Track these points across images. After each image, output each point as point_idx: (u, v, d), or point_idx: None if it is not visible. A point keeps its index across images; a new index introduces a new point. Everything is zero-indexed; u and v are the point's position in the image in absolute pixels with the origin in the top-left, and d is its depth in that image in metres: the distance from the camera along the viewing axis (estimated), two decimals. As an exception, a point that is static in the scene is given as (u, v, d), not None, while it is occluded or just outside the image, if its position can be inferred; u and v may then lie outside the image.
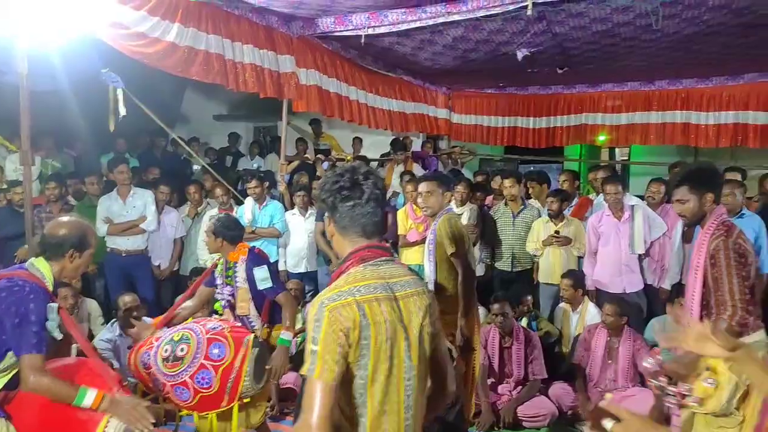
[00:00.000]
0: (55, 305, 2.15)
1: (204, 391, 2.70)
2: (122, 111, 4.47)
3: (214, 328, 2.88)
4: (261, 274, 3.16)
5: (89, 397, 2.04)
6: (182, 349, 2.75)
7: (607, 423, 1.26)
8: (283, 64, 5.33)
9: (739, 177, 5.21)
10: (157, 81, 6.30)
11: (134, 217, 5.26)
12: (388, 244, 2.48)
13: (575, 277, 4.78)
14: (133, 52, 4.06)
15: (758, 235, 4.49)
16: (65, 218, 2.39)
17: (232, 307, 3.33)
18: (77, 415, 2.05)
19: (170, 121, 8.12)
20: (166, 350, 2.76)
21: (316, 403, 1.42)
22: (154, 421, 2.10)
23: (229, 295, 3.33)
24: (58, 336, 2.16)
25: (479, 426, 3.91)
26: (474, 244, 5.27)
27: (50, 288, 2.18)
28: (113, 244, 5.23)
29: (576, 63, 6.41)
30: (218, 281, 3.37)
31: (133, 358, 2.87)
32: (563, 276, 4.81)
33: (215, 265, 3.41)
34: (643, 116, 7.69)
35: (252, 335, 2.93)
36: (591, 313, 4.64)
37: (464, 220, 5.26)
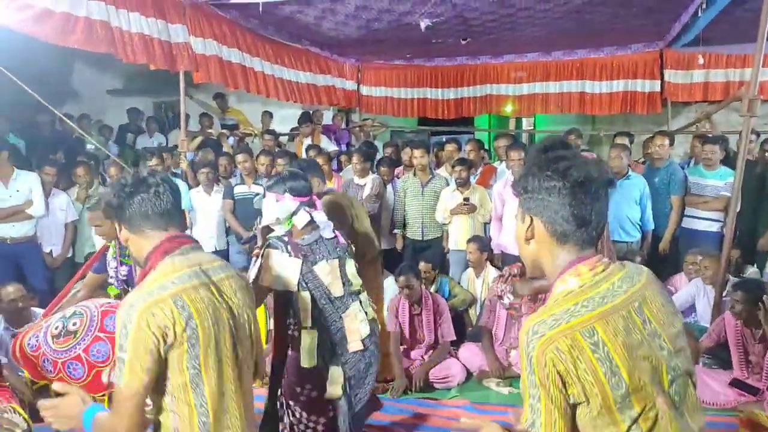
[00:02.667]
0: None
1: (100, 365, 2.53)
2: (-7, 86, 4.06)
3: (109, 302, 2.74)
4: None
5: None
6: (74, 323, 2.57)
7: None
8: (175, 33, 5.03)
9: (626, 141, 5.58)
10: (42, 53, 5.78)
11: (19, 202, 4.86)
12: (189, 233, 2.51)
13: (480, 241, 4.95)
14: (4, 18, 3.67)
15: (642, 195, 4.85)
16: None
17: (127, 288, 3.17)
18: None
19: (59, 96, 7.52)
20: (56, 327, 2.57)
21: (123, 413, 1.41)
22: (18, 427, 1.98)
23: (126, 274, 3.17)
24: None
25: (393, 392, 3.99)
26: (379, 214, 5.34)
27: None
28: (-3, 232, 4.82)
29: (477, 34, 6.52)
30: (112, 264, 3.19)
31: (18, 344, 2.63)
32: (469, 241, 4.96)
33: (106, 248, 3.22)
34: (543, 86, 8.00)
35: None
36: (493, 276, 4.83)
37: (366, 192, 5.28)
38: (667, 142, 5.17)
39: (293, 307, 2.41)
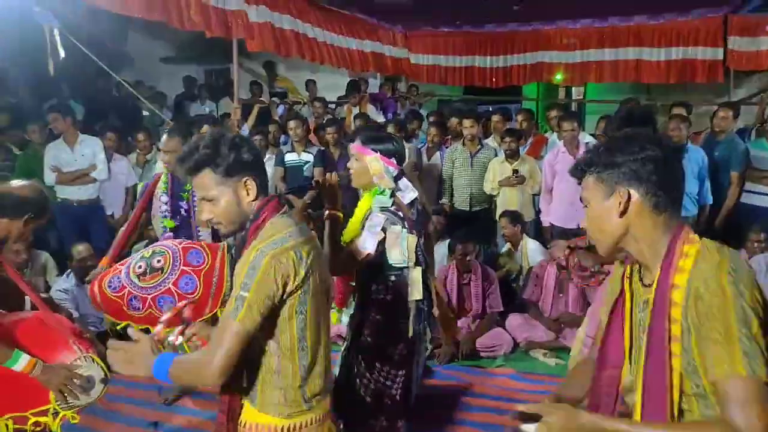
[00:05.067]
0: None
1: (189, 296, 2.63)
2: (61, 53, 4.22)
3: (183, 240, 2.84)
4: None
5: (21, 362, 1.97)
6: (158, 261, 2.66)
7: (529, 427, 1.22)
8: (230, 0, 5.09)
9: (684, 112, 5.38)
10: (98, 21, 5.95)
11: (84, 166, 5.08)
12: None
13: (512, 214, 4.92)
14: (67, -12, 3.81)
15: (701, 168, 4.69)
16: (26, 182, 2.29)
17: (189, 221, 3.27)
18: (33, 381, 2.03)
19: (115, 64, 7.72)
20: (139, 266, 2.66)
21: (225, 345, 1.46)
22: (96, 374, 2.11)
23: (185, 208, 3.28)
24: None
25: (440, 359, 4.07)
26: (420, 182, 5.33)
27: None
28: (64, 194, 5.06)
29: (531, -1, 6.35)
30: (163, 198, 3.28)
31: (98, 288, 2.71)
32: (501, 216, 4.96)
33: (157, 182, 3.32)
34: (597, 54, 7.76)
35: (224, 242, 2.85)
36: (531, 249, 4.82)
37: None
38: (731, 114, 4.96)
39: (396, 276, 2.39)
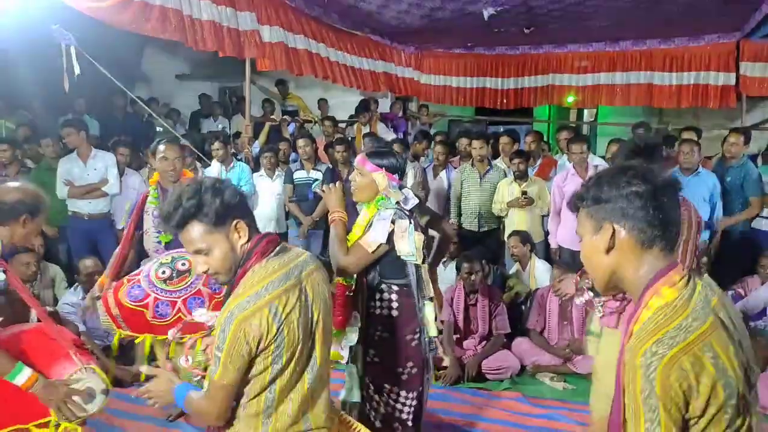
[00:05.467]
0: (0, 269, 2.11)
1: (217, 296, 2.61)
2: (76, 69, 4.31)
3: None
4: None
5: (22, 376, 1.96)
6: (183, 264, 2.64)
7: None
8: (244, 21, 5.19)
9: (694, 136, 5.37)
10: (115, 38, 6.07)
11: (96, 180, 5.13)
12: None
13: (521, 234, 4.91)
14: (85, 7, 3.90)
15: (712, 193, 4.66)
16: (15, 183, 2.30)
17: None
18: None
19: (130, 80, 7.87)
20: (163, 272, 2.63)
21: (215, 400, 1.56)
22: (97, 386, 2.10)
23: None
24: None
25: (445, 380, 4.02)
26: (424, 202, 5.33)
27: None
28: (75, 208, 5.11)
29: (542, 22, 6.40)
30: (156, 213, 3.19)
31: (114, 301, 2.65)
32: (510, 236, 4.94)
33: (145, 198, 3.28)
34: (608, 77, 7.78)
35: None
36: (539, 269, 4.79)
37: (410, 180, 5.29)
38: (741, 139, 4.93)
39: (399, 286, 2.38)
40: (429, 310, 2.42)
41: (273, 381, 1.57)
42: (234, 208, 1.56)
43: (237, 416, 1.61)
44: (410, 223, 2.37)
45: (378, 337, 2.41)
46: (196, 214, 1.53)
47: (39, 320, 2.31)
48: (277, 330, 1.51)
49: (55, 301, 4.33)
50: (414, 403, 2.43)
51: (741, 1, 5.51)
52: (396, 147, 5.35)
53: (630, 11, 5.82)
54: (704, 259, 4.27)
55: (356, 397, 2.41)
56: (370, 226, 2.37)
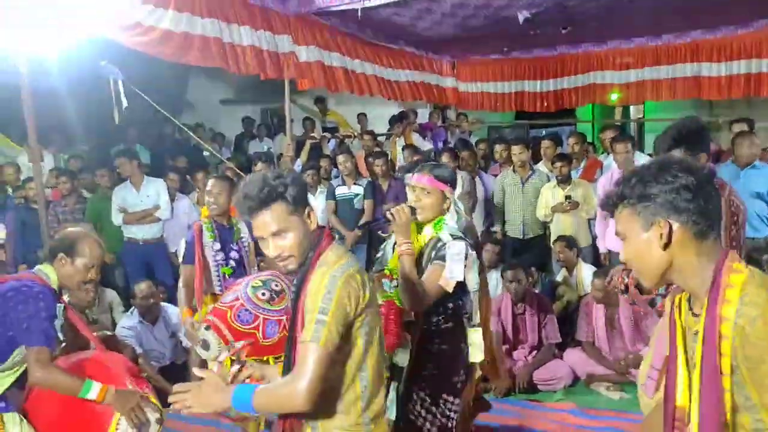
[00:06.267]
0: (61, 305, 2.23)
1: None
2: (124, 102, 4.51)
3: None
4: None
5: (94, 390, 2.09)
6: (276, 284, 2.69)
7: None
8: (281, 43, 5.31)
9: (746, 128, 5.14)
10: (160, 69, 6.33)
11: (149, 206, 5.35)
12: None
13: (566, 239, 4.82)
14: (130, 42, 4.07)
15: (772, 187, 4.44)
16: (70, 228, 2.45)
17: (243, 264, 3.38)
18: (94, 409, 2.13)
19: (176, 108, 8.18)
20: (263, 293, 2.65)
21: (312, 369, 1.48)
22: (151, 415, 2.17)
23: (237, 252, 3.39)
24: (61, 337, 2.24)
25: (496, 391, 3.96)
26: (472, 211, 5.29)
27: (56, 289, 2.25)
28: (130, 234, 5.35)
29: (579, 21, 6.26)
30: (215, 246, 3.34)
31: (226, 326, 2.60)
32: (555, 241, 4.84)
33: (200, 233, 3.37)
34: (653, 71, 7.52)
35: None
36: (586, 275, 4.66)
37: (458, 191, 5.24)
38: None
39: (454, 302, 2.40)
40: (476, 336, 2.42)
41: (364, 361, 1.60)
42: (306, 196, 1.68)
43: (335, 409, 1.59)
44: (473, 251, 2.38)
45: (437, 349, 2.43)
46: (282, 194, 1.57)
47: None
48: (369, 298, 1.59)
49: (114, 325, 4.51)
50: (459, 408, 2.48)
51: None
52: (445, 158, 5.37)
53: (671, 2, 5.63)
54: (765, 257, 4.05)
55: (393, 414, 2.41)
56: (437, 251, 2.33)
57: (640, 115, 9.83)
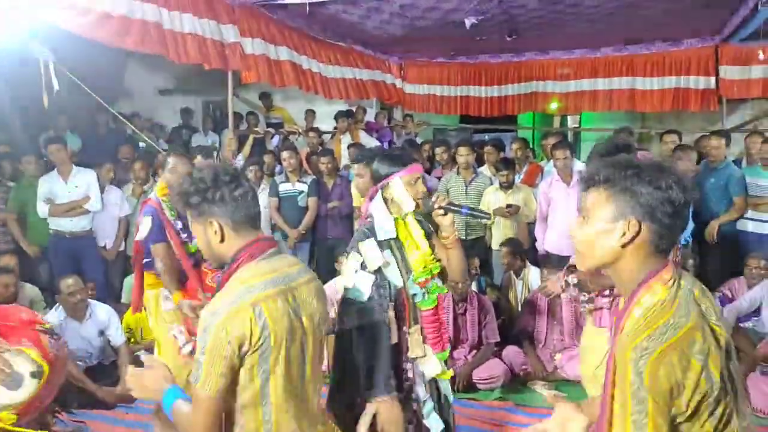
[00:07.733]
0: None
1: None
2: (55, 85, 4.24)
3: None
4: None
5: None
6: None
7: None
8: (227, 33, 5.16)
9: (675, 139, 5.43)
10: (96, 54, 6.01)
11: (77, 197, 5.06)
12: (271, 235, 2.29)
13: (513, 244, 4.90)
14: (64, 23, 3.84)
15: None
16: None
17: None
18: None
19: (112, 96, 7.79)
20: None
21: (199, 416, 1.45)
22: (24, 368, 2.10)
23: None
24: None
25: (435, 391, 3.97)
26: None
27: None
28: (56, 226, 5.04)
29: (524, 30, 6.43)
30: (176, 225, 3.18)
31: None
32: (501, 244, 4.94)
33: (160, 206, 3.20)
34: (591, 83, 7.84)
35: None
36: (534, 276, 4.77)
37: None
38: (723, 141, 4.98)
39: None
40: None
41: (265, 396, 1.49)
42: (216, 206, 1.54)
43: None
44: None
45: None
46: (187, 202, 1.59)
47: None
48: (261, 334, 1.46)
49: (37, 321, 4.22)
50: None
51: (719, 6, 5.58)
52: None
53: (610, 17, 5.87)
54: (690, 262, 4.27)
55: (438, 427, 2.27)
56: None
57: (576, 125, 10.22)
